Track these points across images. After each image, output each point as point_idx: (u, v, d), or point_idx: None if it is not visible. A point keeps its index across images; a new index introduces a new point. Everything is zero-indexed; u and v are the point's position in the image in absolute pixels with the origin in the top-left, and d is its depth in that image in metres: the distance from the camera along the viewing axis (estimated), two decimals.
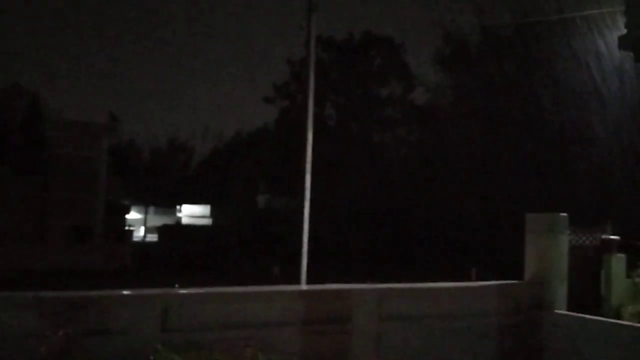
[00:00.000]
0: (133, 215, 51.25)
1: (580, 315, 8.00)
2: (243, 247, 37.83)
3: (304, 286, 12.45)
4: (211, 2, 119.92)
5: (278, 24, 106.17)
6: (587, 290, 9.31)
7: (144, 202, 52.45)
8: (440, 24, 32.61)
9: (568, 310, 8.26)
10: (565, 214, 8.74)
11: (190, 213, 58.99)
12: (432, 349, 7.39)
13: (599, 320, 7.90)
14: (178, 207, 60.42)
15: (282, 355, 6.38)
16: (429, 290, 8.12)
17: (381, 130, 44.95)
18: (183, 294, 6.66)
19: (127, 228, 40.62)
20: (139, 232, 50.62)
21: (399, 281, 8.59)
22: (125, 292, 6.57)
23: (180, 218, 58.96)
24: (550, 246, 8.49)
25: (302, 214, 14.87)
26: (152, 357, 5.82)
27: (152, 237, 47.00)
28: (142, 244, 44.45)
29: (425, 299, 7.81)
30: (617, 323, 7.83)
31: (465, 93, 34.08)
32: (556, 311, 8.20)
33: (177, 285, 7.96)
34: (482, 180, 28.96)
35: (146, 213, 53.08)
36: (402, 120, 44.62)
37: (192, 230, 44.43)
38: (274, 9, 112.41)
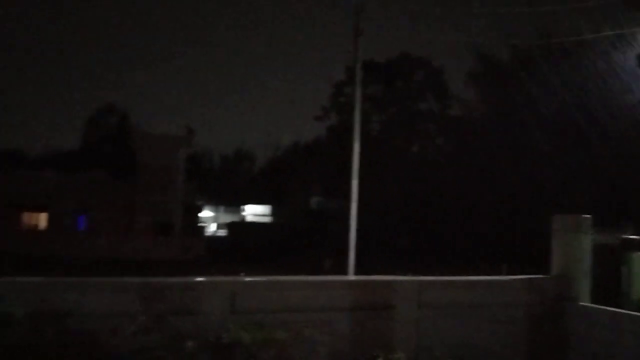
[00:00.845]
0: (206, 213, 52.36)
1: (602, 307, 7.72)
2: (298, 242, 38.04)
3: (352, 277, 12.45)
4: (276, 32, 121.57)
5: (326, 48, 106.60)
6: (610, 286, 8.95)
7: (214, 202, 53.51)
8: (472, 45, 32.00)
9: (591, 303, 7.98)
10: (588, 216, 8.45)
11: (254, 212, 59.78)
12: (466, 334, 7.27)
13: (620, 312, 7.59)
14: (243, 206, 61.36)
15: (335, 336, 6.41)
16: (463, 282, 7.99)
17: (419, 140, 44.48)
18: (249, 281, 6.78)
19: (200, 224, 41.46)
20: (211, 228, 51.62)
21: (437, 274, 8.50)
22: (200, 279, 6.73)
23: (245, 216, 59.84)
24: (575, 245, 8.22)
25: (350, 213, 14.98)
26: (224, 335, 5.95)
27: (222, 232, 47.84)
28: (214, 238, 45.29)
29: (460, 289, 7.69)
30: (637, 315, 7.51)
31: (496, 105, 33.35)
32: (580, 303, 7.94)
33: (243, 274, 8.09)
34: (511, 183, 28.25)
35: (217, 211, 54.13)
36: (439, 131, 44.02)
37: (255, 226, 45.01)
38: (323, 36, 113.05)
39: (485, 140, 32.45)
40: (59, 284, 6.08)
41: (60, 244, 31.21)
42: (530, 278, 8.24)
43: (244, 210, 61.47)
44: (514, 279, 8.29)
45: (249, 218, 58.15)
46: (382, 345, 6.71)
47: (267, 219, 54.82)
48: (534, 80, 28.73)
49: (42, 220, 35.19)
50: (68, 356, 5.60)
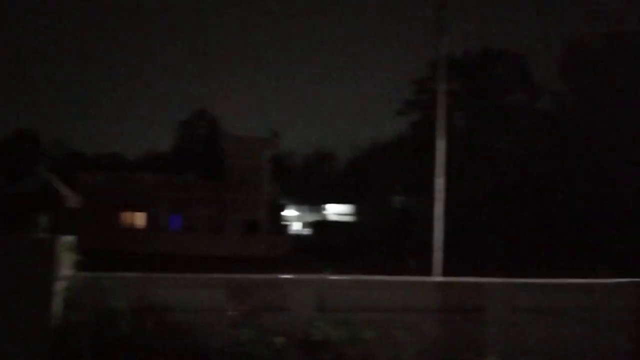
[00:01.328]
0: (289, 212, 53.39)
1: None
2: (381, 241, 37.77)
3: (440, 277, 12.14)
4: (357, 32, 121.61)
5: (407, 43, 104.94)
6: None
7: (298, 202, 54.44)
8: (561, 34, 30.17)
9: None
10: None
11: (337, 211, 60.13)
12: (559, 339, 6.86)
13: None
14: (326, 205, 61.89)
15: (422, 337, 6.28)
16: (558, 285, 7.53)
17: (507, 135, 42.62)
18: (336, 279, 6.79)
19: (285, 223, 42.28)
20: (295, 227, 52.55)
21: (530, 276, 8.07)
22: (288, 277, 6.84)
23: (328, 215, 60.32)
24: None
25: (434, 212, 14.59)
26: (311, 332, 6.01)
27: (306, 231, 48.56)
28: (298, 236, 46.08)
29: (554, 293, 7.26)
30: None
31: (589, 98, 31.26)
32: None
33: (327, 272, 8.13)
34: (607, 184, 26.36)
35: (300, 210, 55.03)
36: (529, 125, 41.93)
37: (338, 225, 45.25)
38: (404, 33, 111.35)
39: (579, 134, 30.53)
40: (157, 280, 6.41)
41: (157, 242, 33.13)
42: (629, 282, 7.63)
43: (326, 209, 62.02)
44: (622, 282, 7.71)
45: (332, 217, 58.58)
46: (471, 348, 6.49)
47: (349, 218, 54.93)
48: (631, 69, 26.68)
49: (140, 219, 37.51)
50: (167, 348, 5.90)
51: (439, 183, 14.76)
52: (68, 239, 6.09)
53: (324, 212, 61.27)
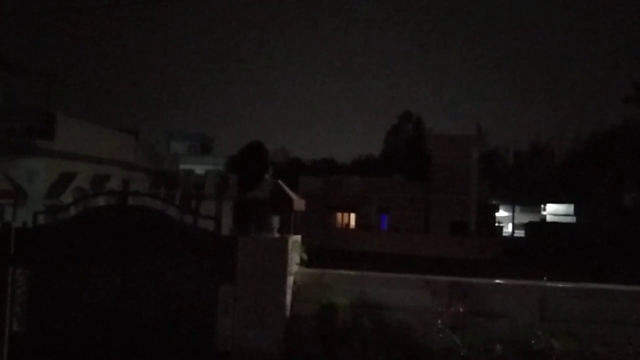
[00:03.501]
0: (501, 213, 50.69)
1: None
2: (608, 245, 33.43)
3: None
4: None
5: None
6: None
7: (510, 202, 51.40)
8: None
9: None
10: None
11: (554, 211, 55.18)
12: None
13: None
14: (542, 205, 57.21)
15: None
16: None
17: None
18: (560, 287, 6.28)
19: (497, 224, 40.28)
20: (507, 228, 49.72)
21: None
22: (507, 282, 6.55)
23: (544, 216, 55.70)
24: None
25: None
26: (532, 341, 5.66)
27: (519, 233, 45.58)
28: (511, 239, 43.50)
29: None
30: None
31: None
32: None
33: (545, 278, 7.56)
34: None
35: (513, 211, 51.86)
36: None
37: (556, 227, 41.40)
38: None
39: None
40: (374, 279, 6.71)
41: (367, 241, 34.52)
42: None
43: (543, 209, 57.34)
44: None
45: (549, 218, 53.93)
46: None
47: (570, 219, 49.93)
48: None
49: (352, 219, 39.55)
50: (383, 344, 6.15)
51: None
52: (296, 238, 6.76)
53: (542, 213, 56.75)
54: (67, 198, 16.24)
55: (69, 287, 6.57)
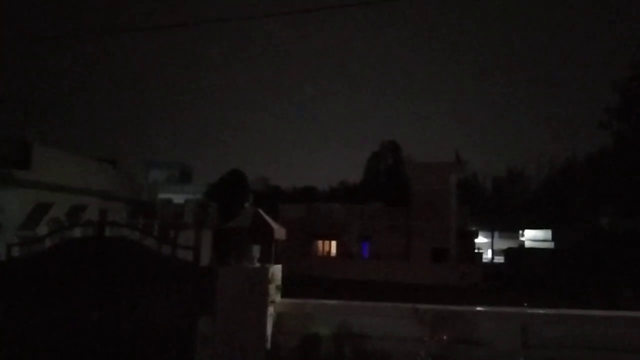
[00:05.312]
0: (481, 239, 51.03)
1: None
2: (586, 269, 33.79)
3: None
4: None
5: (602, 52, 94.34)
6: None
7: (489, 228, 51.86)
8: None
9: None
10: None
11: (533, 237, 55.77)
12: None
13: None
14: (520, 231, 57.82)
15: None
16: None
17: None
18: (540, 313, 6.30)
19: (476, 251, 40.46)
20: (487, 255, 50.02)
21: None
22: (484, 309, 6.55)
23: (523, 242, 56.25)
24: None
25: None
26: None
27: (499, 259, 45.90)
28: (490, 265, 43.74)
29: None
30: None
31: None
32: None
33: (525, 305, 7.59)
34: None
35: (492, 237, 52.29)
36: None
37: (535, 253, 41.80)
38: (598, 42, 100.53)
39: None
40: (357, 308, 6.65)
41: (349, 269, 34.36)
42: None
43: (521, 235, 57.93)
44: None
45: (528, 243, 54.46)
46: None
47: (547, 244, 50.49)
48: None
49: (333, 247, 39.35)
50: None
51: None
52: (276, 267, 6.69)
53: (520, 239, 57.32)
54: (42, 229, 15.89)
55: (44, 322, 6.36)
